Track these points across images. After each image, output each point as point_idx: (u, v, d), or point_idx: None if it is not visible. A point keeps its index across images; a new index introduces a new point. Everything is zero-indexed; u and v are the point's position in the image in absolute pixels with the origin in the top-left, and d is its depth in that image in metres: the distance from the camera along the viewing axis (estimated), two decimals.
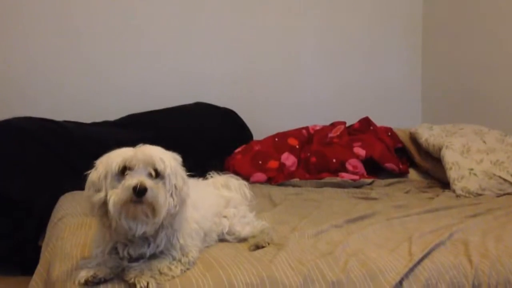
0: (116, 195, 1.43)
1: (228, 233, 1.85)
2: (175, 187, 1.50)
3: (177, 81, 3.73)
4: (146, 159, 1.47)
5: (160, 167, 1.47)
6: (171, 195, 1.49)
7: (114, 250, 1.55)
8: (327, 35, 4.06)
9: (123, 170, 1.47)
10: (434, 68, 4.18)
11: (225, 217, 1.87)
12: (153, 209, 1.45)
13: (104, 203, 1.46)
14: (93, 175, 1.51)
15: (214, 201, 1.87)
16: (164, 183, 1.48)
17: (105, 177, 1.47)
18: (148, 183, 1.43)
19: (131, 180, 1.43)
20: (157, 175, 1.48)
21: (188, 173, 1.60)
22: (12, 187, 2.81)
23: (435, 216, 2.29)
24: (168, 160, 1.51)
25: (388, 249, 1.79)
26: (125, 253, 1.53)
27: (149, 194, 1.42)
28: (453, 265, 1.71)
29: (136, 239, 1.52)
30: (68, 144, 3.01)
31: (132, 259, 1.54)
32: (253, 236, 1.84)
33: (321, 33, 4.04)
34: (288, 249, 1.74)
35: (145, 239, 1.53)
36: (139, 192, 1.41)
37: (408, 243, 1.84)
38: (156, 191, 1.44)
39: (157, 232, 1.52)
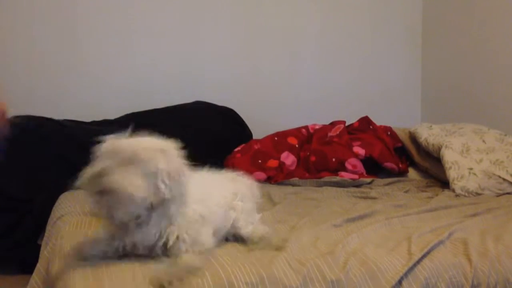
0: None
1: (232, 225, 1.84)
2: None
3: (176, 80, 3.73)
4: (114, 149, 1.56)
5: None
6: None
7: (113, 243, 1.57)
8: (327, 34, 4.06)
9: None
10: (434, 68, 4.18)
11: (232, 209, 1.86)
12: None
13: None
14: None
15: (222, 194, 1.84)
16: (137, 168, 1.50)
17: None
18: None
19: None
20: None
21: (192, 163, 1.63)
22: (11, 185, 2.82)
23: (435, 216, 2.28)
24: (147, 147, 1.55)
25: (388, 249, 1.79)
26: (120, 244, 1.56)
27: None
28: (453, 265, 1.71)
29: (131, 225, 1.54)
30: (67, 143, 3.01)
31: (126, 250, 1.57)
32: (253, 243, 1.83)
33: (321, 32, 4.04)
34: (287, 248, 1.73)
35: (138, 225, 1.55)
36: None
37: (407, 243, 1.83)
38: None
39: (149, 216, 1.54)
